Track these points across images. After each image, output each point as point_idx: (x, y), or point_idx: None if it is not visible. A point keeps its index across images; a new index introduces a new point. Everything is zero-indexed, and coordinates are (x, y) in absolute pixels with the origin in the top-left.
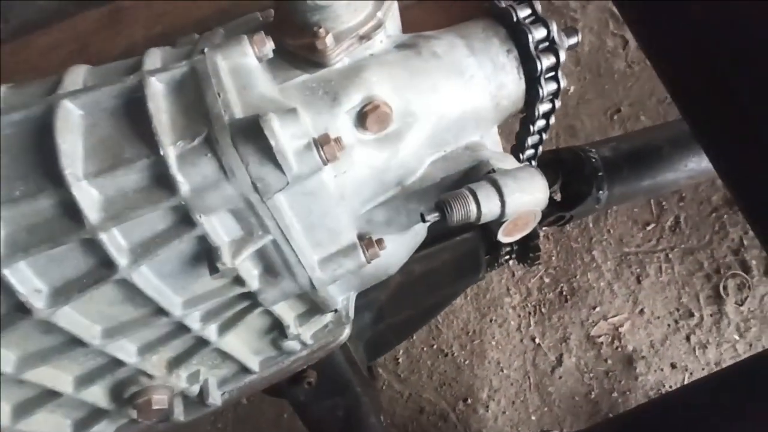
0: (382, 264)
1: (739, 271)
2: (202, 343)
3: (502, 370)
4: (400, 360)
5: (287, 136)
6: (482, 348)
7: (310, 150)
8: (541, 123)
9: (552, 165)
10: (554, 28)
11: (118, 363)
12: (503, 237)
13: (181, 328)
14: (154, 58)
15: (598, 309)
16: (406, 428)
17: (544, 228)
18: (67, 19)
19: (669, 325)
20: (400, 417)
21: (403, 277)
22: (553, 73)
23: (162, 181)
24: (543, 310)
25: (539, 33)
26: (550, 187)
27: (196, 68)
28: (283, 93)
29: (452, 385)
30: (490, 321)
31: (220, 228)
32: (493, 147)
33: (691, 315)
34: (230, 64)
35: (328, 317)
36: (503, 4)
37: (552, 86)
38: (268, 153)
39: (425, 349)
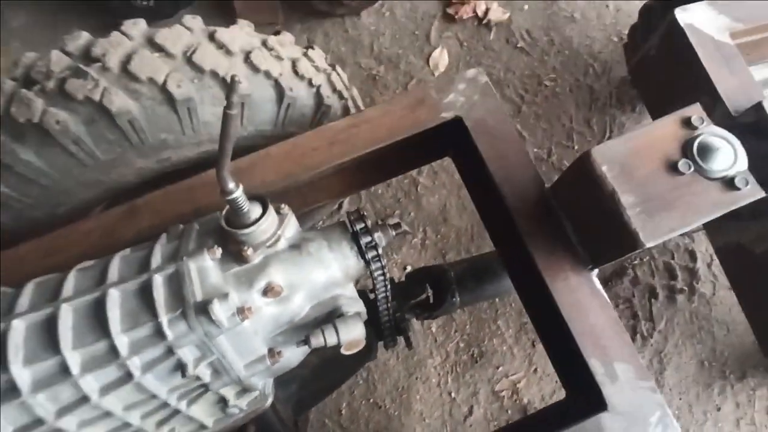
0: (283, 364)
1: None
2: (177, 411)
3: (425, 420)
4: (343, 412)
5: (222, 311)
6: (409, 401)
7: (235, 316)
8: (379, 278)
9: (421, 279)
10: (377, 235)
11: (128, 425)
12: (345, 351)
13: (165, 404)
14: (157, 255)
15: (501, 368)
16: None
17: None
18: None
19: (556, 382)
20: None
21: (317, 360)
22: (377, 256)
23: (160, 333)
24: (458, 369)
25: (366, 238)
26: (418, 297)
27: (179, 270)
28: (225, 279)
29: None
30: (416, 378)
31: (188, 353)
32: (349, 294)
33: None
34: (196, 265)
35: (255, 393)
36: (350, 218)
37: (377, 264)
38: (212, 321)
39: (363, 402)
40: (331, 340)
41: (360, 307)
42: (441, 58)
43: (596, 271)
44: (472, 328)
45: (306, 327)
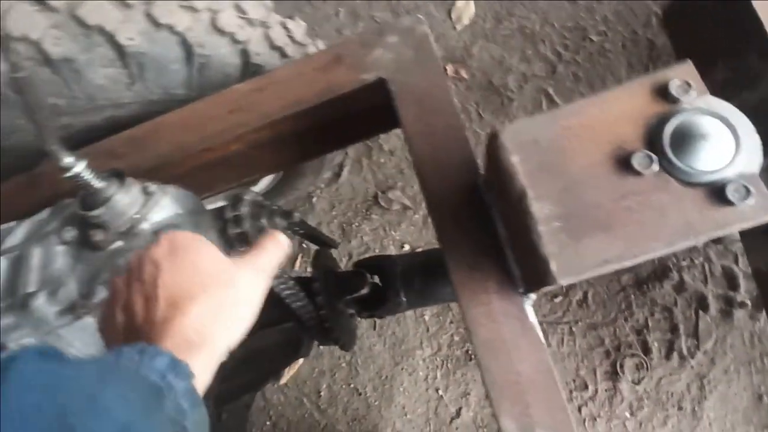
0: None
1: (639, 352)
2: None
3: (406, 415)
4: (322, 393)
5: (47, 306)
6: (391, 392)
7: (65, 314)
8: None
9: (364, 272)
10: (246, 225)
11: None
12: None
13: None
14: (18, 233)
15: None
16: None
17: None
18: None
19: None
20: None
21: (241, 353)
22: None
23: None
24: (449, 365)
25: (235, 230)
26: (360, 289)
27: (23, 253)
28: (72, 267)
29: (362, 422)
30: (402, 369)
31: (28, 345)
32: None
33: (586, 387)
34: (43, 249)
35: None
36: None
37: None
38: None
39: (344, 386)
40: None
41: None
42: (466, 9)
43: (532, 298)
44: None
45: None
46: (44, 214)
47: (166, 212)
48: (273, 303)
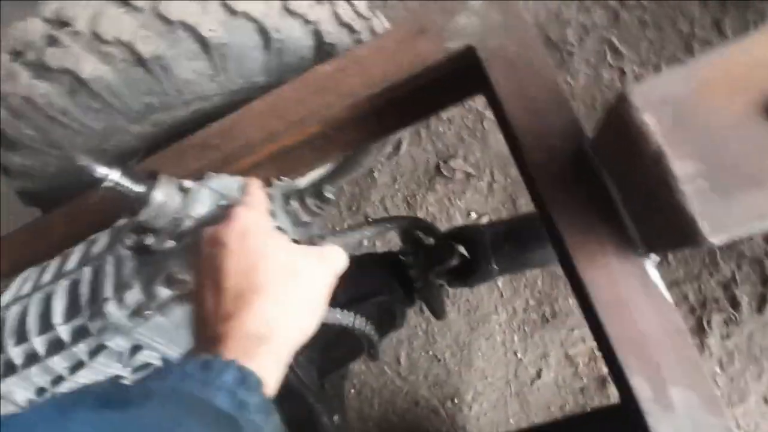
0: None
1: (727, 306)
2: None
3: (486, 378)
4: (401, 361)
5: (117, 311)
6: (470, 357)
7: (136, 314)
8: None
9: (452, 242)
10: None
11: None
12: None
13: None
14: (99, 243)
15: (576, 331)
16: (404, 417)
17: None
18: None
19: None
20: (399, 408)
21: (338, 327)
22: None
23: (85, 328)
24: (526, 328)
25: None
26: (450, 260)
27: (101, 263)
28: (137, 271)
29: (443, 386)
30: (479, 334)
31: (121, 343)
32: None
33: None
34: (113, 256)
35: None
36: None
37: None
38: (111, 320)
39: (422, 354)
40: None
41: None
42: None
43: (654, 258)
44: (545, 285)
45: None
46: (122, 221)
47: (208, 205)
48: (366, 277)
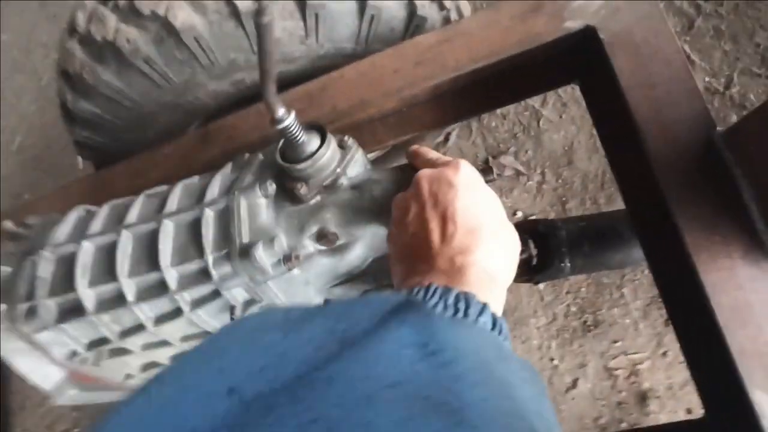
0: None
1: None
2: None
3: None
4: None
5: (266, 257)
6: None
7: (280, 264)
8: None
9: (524, 234)
10: None
11: None
12: None
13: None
14: (214, 186)
15: (619, 343)
16: None
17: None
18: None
19: None
20: None
21: None
22: None
23: (206, 272)
24: (565, 335)
25: None
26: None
27: (229, 205)
28: (276, 220)
29: None
30: (515, 336)
31: (237, 295)
32: None
33: None
34: (248, 201)
35: None
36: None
37: None
38: (256, 266)
39: None
40: None
41: None
42: None
43: None
44: (589, 292)
45: (367, 281)
46: (227, 168)
47: (359, 167)
48: None
